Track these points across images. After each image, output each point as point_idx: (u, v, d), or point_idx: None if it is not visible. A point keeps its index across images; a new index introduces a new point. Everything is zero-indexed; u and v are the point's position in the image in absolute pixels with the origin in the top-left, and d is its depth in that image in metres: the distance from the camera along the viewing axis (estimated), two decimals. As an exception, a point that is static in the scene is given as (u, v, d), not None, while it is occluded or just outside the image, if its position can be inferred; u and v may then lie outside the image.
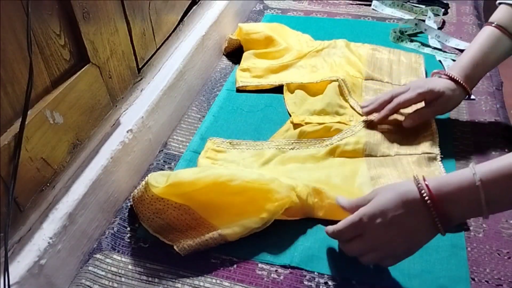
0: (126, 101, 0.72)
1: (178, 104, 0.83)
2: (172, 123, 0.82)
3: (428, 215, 0.50)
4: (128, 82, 0.71)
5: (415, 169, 0.69)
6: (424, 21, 1.05)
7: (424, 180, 0.51)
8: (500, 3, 0.73)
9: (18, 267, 0.51)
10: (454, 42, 0.99)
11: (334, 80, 0.85)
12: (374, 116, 0.76)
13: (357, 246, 0.55)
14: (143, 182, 0.62)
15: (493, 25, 0.72)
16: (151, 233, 0.62)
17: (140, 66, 0.74)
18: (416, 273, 0.57)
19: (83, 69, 0.59)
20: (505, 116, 0.80)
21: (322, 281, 0.57)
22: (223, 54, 1.02)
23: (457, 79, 0.71)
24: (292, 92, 0.87)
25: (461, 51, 0.96)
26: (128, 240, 0.63)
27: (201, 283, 0.57)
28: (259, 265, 0.59)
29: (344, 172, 0.70)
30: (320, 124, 0.77)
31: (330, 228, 0.57)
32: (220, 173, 0.61)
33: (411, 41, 1.01)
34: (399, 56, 0.95)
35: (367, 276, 0.57)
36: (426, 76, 0.90)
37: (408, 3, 1.14)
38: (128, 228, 0.65)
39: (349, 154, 0.73)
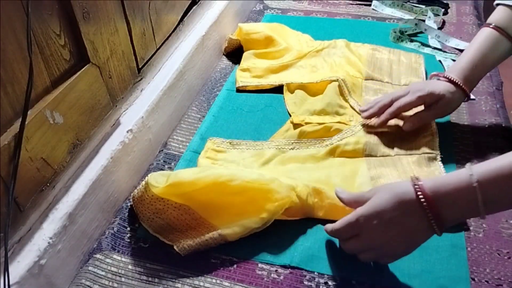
0: (126, 101, 0.72)
1: (178, 104, 0.83)
2: (172, 123, 0.82)
3: (424, 216, 0.50)
4: (128, 82, 0.71)
5: (415, 169, 0.69)
6: (424, 21, 1.05)
7: (420, 181, 0.51)
8: (497, 4, 0.73)
9: (18, 267, 0.51)
10: (454, 42, 0.99)
11: (334, 80, 0.85)
12: (374, 120, 0.75)
13: (355, 245, 0.55)
14: (143, 182, 0.62)
15: (491, 26, 0.71)
16: (151, 233, 0.62)
17: (140, 66, 0.74)
18: (416, 273, 0.57)
19: (83, 69, 0.59)
20: (505, 116, 0.80)
21: (322, 281, 0.57)
22: (223, 54, 1.02)
23: (456, 81, 0.70)
24: (292, 92, 0.87)
25: (461, 51, 0.96)
26: (128, 240, 0.63)
27: (201, 283, 0.57)
28: (259, 265, 0.59)
29: (344, 172, 0.70)
30: (320, 124, 0.77)
31: (329, 226, 0.57)
32: (220, 173, 0.61)
33: (411, 41, 1.01)
34: (399, 56, 0.95)
35: (367, 276, 0.57)
36: (426, 75, 0.90)
37: (408, 3, 1.14)
38: (128, 228, 0.65)
39: (349, 154, 0.73)
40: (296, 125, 0.78)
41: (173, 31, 0.84)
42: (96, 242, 0.63)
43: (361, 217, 0.53)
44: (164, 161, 0.75)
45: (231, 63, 1.00)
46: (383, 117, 0.73)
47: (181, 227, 0.61)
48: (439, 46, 0.99)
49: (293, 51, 0.96)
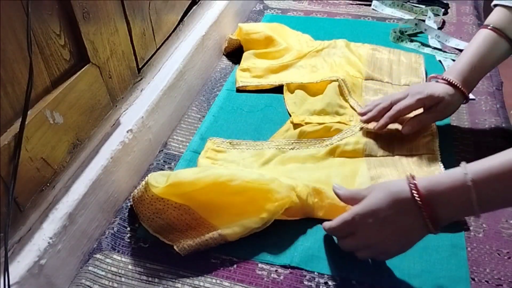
0: (126, 101, 0.72)
1: (178, 104, 0.83)
2: (172, 123, 0.82)
3: (419, 215, 0.50)
4: (128, 82, 0.71)
5: (415, 169, 0.69)
6: (424, 21, 1.05)
7: (415, 180, 0.51)
8: (495, 5, 0.72)
9: (18, 267, 0.51)
10: (454, 42, 0.99)
11: (334, 80, 0.85)
12: (372, 124, 0.75)
13: (351, 244, 0.56)
14: (143, 182, 0.62)
15: (489, 27, 0.71)
16: (151, 233, 0.62)
17: (140, 66, 0.74)
18: (416, 273, 0.57)
19: (83, 69, 0.59)
20: (505, 116, 0.80)
21: (322, 281, 0.57)
22: (223, 54, 1.02)
23: (455, 83, 0.70)
24: (292, 92, 0.87)
25: (461, 51, 0.96)
26: (128, 240, 0.63)
27: (201, 283, 0.57)
28: (259, 265, 0.59)
29: (344, 172, 0.70)
30: (320, 124, 0.77)
31: (327, 224, 0.58)
32: (220, 173, 0.61)
33: (411, 41, 1.01)
34: (399, 56, 0.95)
35: (367, 276, 0.57)
36: (426, 75, 0.90)
37: (408, 3, 1.14)
38: (128, 228, 0.65)
39: (349, 154, 0.73)
40: (296, 125, 0.78)
41: (173, 31, 0.84)
42: (96, 242, 0.63)
43: (356, 215, 0.54)
44: (164, 161, 0.75)
45: (231, 63, 1.00)
46: (382, 121, 0.73)
47: (181, 227, 0.61)
48: (439, 46, 0.99)
49: (293, 51, 0.96)
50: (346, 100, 0.83)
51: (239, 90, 0.90)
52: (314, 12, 1.17)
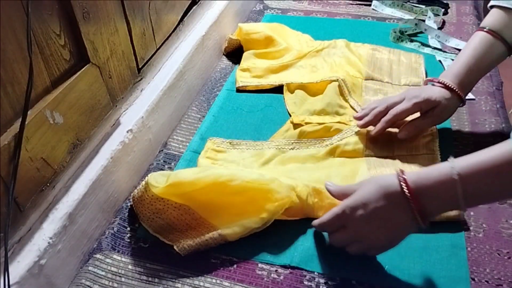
0: (126, 101, 0.72)
1: (178, 104, 0.83)
2: (172, 123, 0.82)
3: (408, 208, 0.51)
4: (128, 82, 0.71)
5: (415, 169, 0.69)
6: (424, 21, 1.05)
7: (405, 174, 0.52)
8: (491, 7, 0.72)
9: (18, 267, 0.51)
10: (454, 42, 0.99)
11: (334, 80, 0.85)
12: (369, 128, 0.74)
13: (341, 237, 0.57)
14: (143, 182, 0.62)
15: (485, 30, 0.70)
16: (151, 233, 0.62)
17: (140, 66, 0.74)
18: (416, 273, 0.57)
19: (83, 69, 0.59)
20: (505, 116, 0.80)
21: (322, 281, 0.57)
22: (223, 54, 1.02)
23: (451, 86, 0.69)
24: (292, 92, 0.87)
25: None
26: (128, 240, 0.63)
27: (201, 283, 0.57)
28: (259, 265, 0.59)
29: (344, 172, 0.70)
30: (320, 124, 0.77)
31: (316, 221, 0.59)
32: (220, 173, 0.61)
33: (411, 41, 1.01)
34: (399, 56, 0.95)
35: (367, 276, 0.57)
36: (426, 75, 0.89)
37: (408, 3, 1.14)
38: (128, 228, 0.65)
39: (349, 154, 0.73)
40: (296, 125, 0.78)
41: (173, 31, 0.84)
42: (96, 242, 0.63)
43: (347, 207, 0.54)
44: (164, 161, 0.75)
45: (231, 63, 1.00)
46: (379, 125, 0.72)
47: (181, 227, 0.61)
48: (439, 46, 0.99)
49: (293, 51, 0.96)
50: (346, 100, 0.83)
51: (239, 90, 0.90)
52: (314, 12, 1.17)
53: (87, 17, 0.58)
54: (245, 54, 0.97)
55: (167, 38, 0.82)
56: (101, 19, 0.61)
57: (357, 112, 0.79)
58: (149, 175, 0.62)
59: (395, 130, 0.74)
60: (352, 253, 0.57)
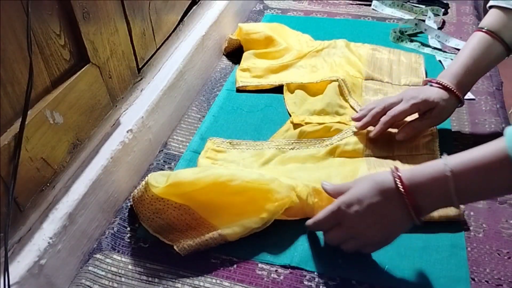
0: (126, 101, 0.72)
1: (178, 104, 0.83)
2: (172, 123, 0.82)
3: (402, 204, 0.51)
4: (128, 82, 0.71)
5: (415, 169, 0.69)
6: (424, 21, 1.05)
7: (399, 171, 0.52)
8: (490, 7, 0.72)
9: (18, 267, 0.51)
10: (454, 42, 0.99)
11: (334, 80, 0.85)
12: (370, 129, 0.74)
13: (337, 235, 0.57)
14: (143, 182, 0.62)
15: (484, 30, 0.70)
16: (151, 233, 0.62)
17: (140, 66, 0.74)
18: (416, 273, 0.57)
19: (83, 69, 0.59)
20: (505, 116, 0.80)
21: (322, 281, 0.57)
22: (223, 54, 1.02)
23: (449, 87, 0.69)
24: (292, 92, 0.87)
25: (461, 51, 0.96)
26: (128, 240, 0.63)
27: (201, 283, 0.57)
28: (259, 265, 0.59)
29: (344, 172, 0.70)
30: (320, 124, 0.77)
31: (311, 220, 0.59)
32: (220, 173, 0.61)
33: (411, 41, 1.01)
34: (399, 56, 0.95)
35: (367, 276, 0.57)
36: (426, 75, 0.89)
37: (408, 3, 1.14)
38: (128, 228, 0.65)
39: (349, 154, 0.73)
40: (296, 125, 0.78)
41: (173, 31, 0.84)
42: (96, 242, 0.63)
43: (342, 203, 0.55)
44: (164, 161, 0.75)
45: (231, 63, 1.00)
46: (378, 127, 0.72)
47: (181, 227, 0.61)
48: (439, 46, 0.99)
49: (293, 51, 0.96)
50: (346, 100, 0.83)
51: (239, 90, 0.90)
52: (314, 12, 1.17)
53: (87, 17, 0.58)
54: (245, 54, 0.97)
55: (167, 38, 0.82)
56: (101, 19, 0.61)
57: (357, 112, 0.79)
58: (149, 175, 0.62)
59: (395, 130, 0.74)
60: (348, 250, 0.57)
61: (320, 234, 0.62)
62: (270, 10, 1.19)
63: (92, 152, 0.64)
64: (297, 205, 0.62)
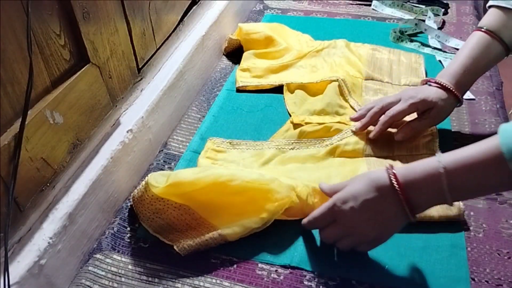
0: (126, 101, 0.72)
1: (178, 104, 0.83)
2: (172, 123, 0.82)
3: (397, 201, 0.52)
4: (128, 82, 0.71)
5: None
6: (424, 21, 1.05)
7: (394, 169, 0.53)
8: (490, 6, 0.72)
9: (18, 267, 0.51)
10: (454, 42, 0.99)
11: (334, 80, 0.85)
12: (370, 129, 0.74)
13: (332, 232, 0.57)
14: (143, 182, 0.62)
15: (483, 29, 0.70)
16: (151, 233, 0.62)
17: (140, 66, 0.74)
18: (416, 273, 0.57)
19: (83, 69, 0.59)
20: (505, 116, 0.80)
21: (322, 281, 0.57)
22: (223, 54, 1.02)
23: (448, 87, 0.69)
24: (292, 92, 0.87)
25: (461, 51, 0.96)
26: (128, 240, 0.63)
27: (201, 283, 0.57)
28: (259, 265, 0.59)
29: (344, 172, 0.70)
30: (320, 124, 0.77)
31: (306, 218, 0.59)
32: (220, 173, 0.61)
33: (411, 41, 1.01)
34: (399, 56, 0.95)
35: (367, 276, 0.57)
36: (426, 76, 0.89)
37: (408, 3, 1.14)
38: (128, 228, 0.65)
39: (349, 154, 0.73)
40: (296, 125, 0.78)
41: (173, 31, 0.84)
42: (96, 242, 0.63)
43: (338, 200, 0.55)
44: (164, 161, 0.75)
45: (231, 63, 1.00)
46: (377, 128, 0.72)
47: (181, 227, 0.61)
48: (439, 46, 0.99)
49: (293, 51, 0.96)
50: (346, 100, 0.83)
51: (239, 90, 0.90)
52: (314, 12, 1.17)
53: (87, 17, 0.58)
54: (245, 54, 0.97)
55: (167, 38, 0.82)
56: (101, 19, 0.61)
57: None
58: (149, 175, 0.62)
59: (395, 130, 0.74)
60: (343, 249, 0.57)
61: (318, 234, 0.62)
62: (270, 10, 1.19)
63: (92, 152, 0.64)
64: (297, 205, 0.62)
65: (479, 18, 1.11)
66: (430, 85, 0.72)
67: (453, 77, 0.70)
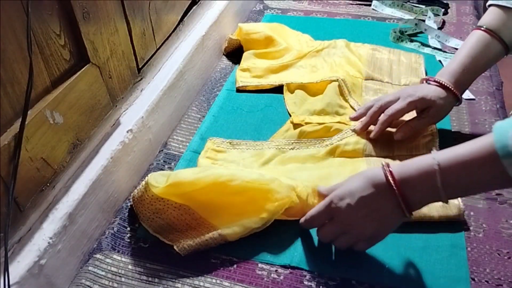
0: (126, 101, 0.72)
1: (178, 104, 0.83)
2: (172, 123, 0.82)
3: (393, 197, 0.52)
4: (128, 82, 0.71)
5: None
6: (424, 21, 1.05)
7: (390, 167, 0.53)
8: (490, 5, 0.72)
9: (18, 267, 0.51)
10: (454, 42, 0.99)
11: (334, 80, 0.85)
12: (371, 128, 0.74)
13: (329, 230, 0.57)
14: (143, 182, 0.62)
15: (482, 28, 0.70)
16: (151, 233, 0.62)
17: (140, 66, 0.74)
18: (416, 273, 0.57)
19: (83, 69, 0.59)
20: (505, 116, 0.80)
21: (322, 281, 0.57)
22: (223, 54, 1.02)
23: (447, 85, 0.69)
24: (292, 92, 0.87)
25: (461, 51, 0.96)
26: (128, 240, 0.63)
27: (201, 283, 0.57)
28: (259, 265, 0.59)
29: (344, 172, 0.70)
30: (320, 124, 0.77)
31: (303, 218, 0.59)
32: (220, 173, 0.61)
33: (411, 41, 1.01)
34: (399, 56, 0.95)
35: (367, 276, 0.57)
36: (426, 75, 0.89)
37: (408, 3, 1.14)
38: (128, 228, 0.65)
39: (349, 154, 0.73)
40: (296, 125, 0.78)
41: (173, 31, 0.84)
42: (96, 242, 0.63)
43: (335, 197, 0.55)
44: (164, 161, 0.75)
45: (231, 63, 1.00)
46: (376, 128, 0.73)
47: (181, 227, 0.61)
48: (439, 46, 0.99)
49: (293, 51, 0.96)
50: (346, 100, 0.83)
51: (239, 90, 0.90)
52: (314, 12, 1.17)
53: (87, 17, 0.58)
54: (245, 54, 0.97)
55: (167, 38, 0.82)
56: (101, 19, 0.61)
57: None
58: (149, 175, 0.62)
59: (395, 130, 0.74)
60: (340, 247, 0.57)
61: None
62: (270, 10, 1.19)
63: (92, 152, 0.64)
64: (297, 205, 0.62)
65: (479, 18, 1.11)
66: (429, 83, 0.72)
67: (452, 76, 0.70)
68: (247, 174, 0.61)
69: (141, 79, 0.75)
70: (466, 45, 0.71)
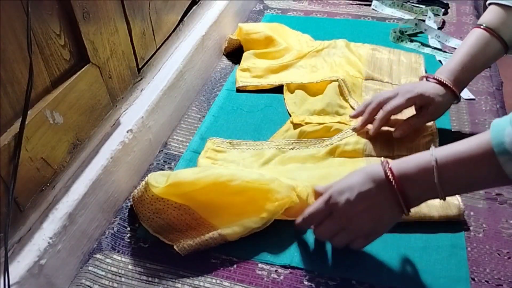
0: (126, 101, 0.72)
1: (178, 104, 0.83)
2: (172, 123, 0.82)
3: (392, 193, 0.52)
4: (128, 82, 0.71)
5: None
6: (424, 21, 1.05)
7: (389, 163, 0.53)
8: (490, 4, 0.72)
9: (18, 267, 0.51)
10: (454, 42, 0.99)
11: (334, 80, 0.85)
12: (369, 127, 0.74)
13: (327, 227, 0.57)
14: (143, 182, 0.62)
15: (482, 27, 0.70)
16: (151, 233, 0.62)
17: (140, 66, 0.74)
18: (416, 273, 0.57)
19: (83, 69, 0.59)
20: (505, 116, 0.80)
21: (322, 281, 0.57)
22: (223, 54, 1.02)
23: (446, 83, 0.69)
24: (292, 92, 0.87)
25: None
26: (128, 240, 0.63)
27: (201, 283, 0.57)
28: (259, 265, 0.59)
29: (344, 172, 0.69)
30: (320, 124, 0.77)
31: (300, 217, 0.59)
32: (220, 173, 0.61)
33: (411, 41, 1.01)
34: (399, 56, 0.95)
35: (367, 276, 0.57)
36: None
37: (408, 3, 1.14)
38: (128, 228, 0.65)
39: (349, 154, 0.73)
40: (296, 125, 0.78)
41: (173, 31, 0.84)
42: (96, 242, 0.63)
43: (333, 192, 0.55)
44: (164, 161, 0.75)
45: (231, 63, 1.00)
46: (375, 124, 0.73)
47: (181, 227, 0.61)
48: (439, 46, 0.99)
49: (293, 51, 0.96)
50: (346, 100, 0.83)
51: (239, 90, 0.90)
52: (314, 12, 1.17)
53: (87, 17, 0.58)
54: (245, 54, 0.97)
55: (167, 38, 0.82)
56: (101, 19, 0.61)
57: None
58: (149, 175, 0.62)
59: (394, 127, 0.74)
60: (338, 245, 0.57)
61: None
62: (270, 10, 1.19)
63: (92, 152, 0.64)
64: (297, 205, 0.62)
65: (479, 18, 1.10)
66: (428, 80, 0.72)
67: (452, 74, 0.70)
68: (247, 174, 0.61)
69: (141, 79, 0.75)
70: (465, 43, 0.71)
